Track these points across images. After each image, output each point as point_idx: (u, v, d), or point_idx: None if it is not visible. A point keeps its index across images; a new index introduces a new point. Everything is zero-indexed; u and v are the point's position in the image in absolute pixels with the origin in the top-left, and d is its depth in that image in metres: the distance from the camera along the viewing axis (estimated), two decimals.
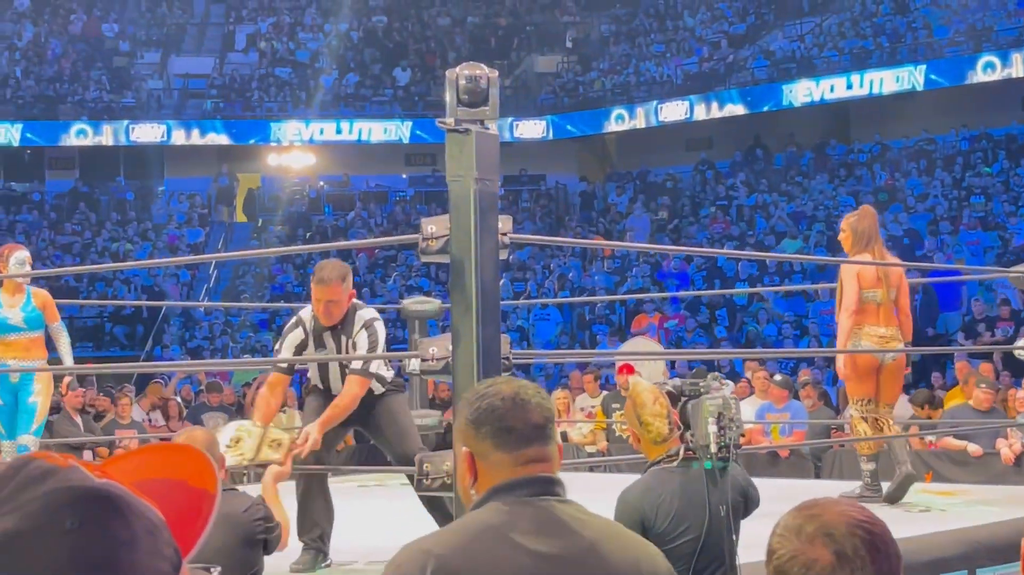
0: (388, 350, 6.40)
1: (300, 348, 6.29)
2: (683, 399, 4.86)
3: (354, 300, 6.33)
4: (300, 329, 6.30)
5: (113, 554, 0.94)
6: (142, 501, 0.99)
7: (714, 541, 4.66)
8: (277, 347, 6.45)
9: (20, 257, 7.90)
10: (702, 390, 4.83)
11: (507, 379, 2.70)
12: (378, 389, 6.30)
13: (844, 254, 7.97)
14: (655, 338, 18.71)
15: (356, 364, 6.13)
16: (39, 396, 7.93)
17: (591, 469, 10.80)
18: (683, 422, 4.81)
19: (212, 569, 0.85)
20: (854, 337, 7.68)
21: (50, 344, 8.23)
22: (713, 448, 4.66)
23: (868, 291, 7.67)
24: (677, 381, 5.07)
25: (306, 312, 6.30)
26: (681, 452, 4.74)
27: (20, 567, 0.92)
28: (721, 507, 4.66)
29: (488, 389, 2.59)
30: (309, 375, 6.54)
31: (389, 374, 6.40)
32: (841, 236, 7.88)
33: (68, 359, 8.19)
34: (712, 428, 4.67)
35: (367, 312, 6.32)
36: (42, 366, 8.04)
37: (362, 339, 6.18)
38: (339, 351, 6.27)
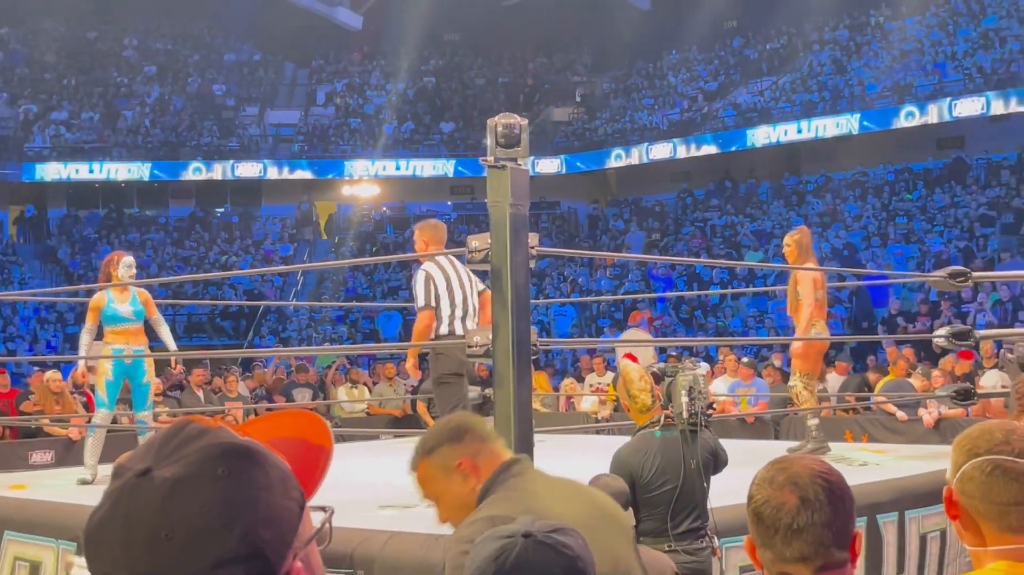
0: (432, 294, 6.33)
1: None
2: (666, 378, 4.86)
3: (431, 252, 6.44)
4: None
5: (255, 496, 0.95)
6: (274, 455, 1.00)
7: (688, 490, 4.66)
8: None
9: (128, 262, 7.67)
10: (679, 370, 4.84)
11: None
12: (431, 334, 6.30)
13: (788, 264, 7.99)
14: (646, 330, 18.64)
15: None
16: (149, 378, 7.80)
17: (597, 432, 10.78)
18: (666, 396, 4.81)
19: (327, 508, 0.85)
20: (812, 328, 7.69)
21: (150, 334, 8.08)
22: (685, 415, 4.68)
23: (817, 292, 7.70)
24: (662, 364, 5.09)
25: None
26: (662, 419, 4.75)
27: (185, 505, 0.93)
28: (692, 462, 4.67)
29: (447, 417, 2.69)
30: None
31: (440, 324, 6.33)
32: (786, 250, 7.86)
33: (171, 343, 7.99)
34: (684, 399, 4.68)
35: (424, 265, 6.47)
36: (146, 350, 7.91)
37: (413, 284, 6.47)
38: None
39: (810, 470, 1.78)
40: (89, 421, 7.88)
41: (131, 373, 7.73)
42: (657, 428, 4.71)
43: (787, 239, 7.90)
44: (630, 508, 4.30)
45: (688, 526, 4.63)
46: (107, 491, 0.98)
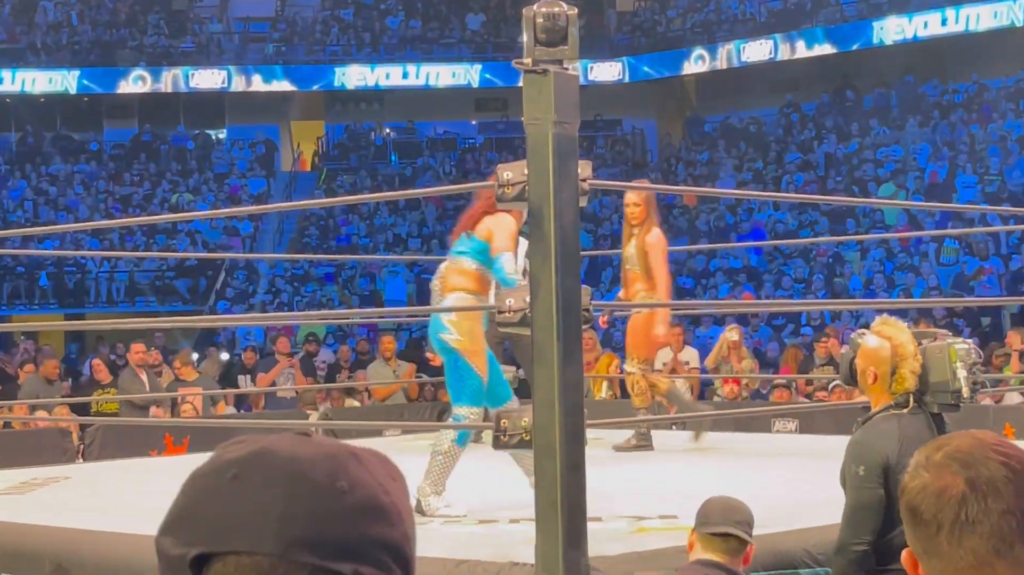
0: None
1: None
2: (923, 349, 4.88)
3: None
4: None
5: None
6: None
7: None
8: None
9: None
10: (942, 339, 4.85)
11: None
12: None
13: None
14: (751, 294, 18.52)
15: None
16: None
17: (671, 427, 10.67)
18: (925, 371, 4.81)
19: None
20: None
21: None
22: (966, 393, 4.69)
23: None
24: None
25: None
26: (911, 400, 4.72)
27: None
28: None
29: None
30: None
31: None
32: (634, 210, 8.31)
33: None
34: (963, 373, 4.68)
35: None
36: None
37: None
38: None
39: (981, 443, 1.76)
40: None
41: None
42: (906, 409, 4.68)
43: (634, 197, 8.36)
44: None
45: None
46: None
